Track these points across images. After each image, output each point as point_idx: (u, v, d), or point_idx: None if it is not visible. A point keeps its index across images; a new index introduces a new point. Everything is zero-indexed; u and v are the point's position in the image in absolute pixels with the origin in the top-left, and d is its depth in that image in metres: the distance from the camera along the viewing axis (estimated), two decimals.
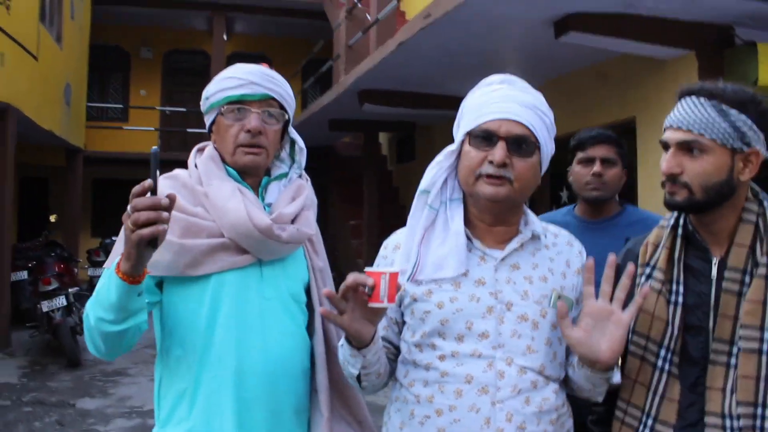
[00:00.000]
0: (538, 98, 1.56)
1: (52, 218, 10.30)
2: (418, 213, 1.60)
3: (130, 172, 8.13)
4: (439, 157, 1.59)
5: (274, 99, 1.76)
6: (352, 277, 1.37)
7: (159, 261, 1.60)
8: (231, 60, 16.57)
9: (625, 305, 1.45)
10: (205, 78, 15.55)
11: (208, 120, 1.80)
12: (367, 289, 1.37)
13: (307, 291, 1.83)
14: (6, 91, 8.03)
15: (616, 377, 1.55)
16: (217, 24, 14.84)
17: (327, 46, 11.66)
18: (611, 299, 1.44)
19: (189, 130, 15.27)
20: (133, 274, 1.41)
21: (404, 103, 8.22)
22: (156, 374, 1.75)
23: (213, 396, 1.65)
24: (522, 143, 1.50)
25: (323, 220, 15.60)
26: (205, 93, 1.79)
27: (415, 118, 10.19)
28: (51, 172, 14.34)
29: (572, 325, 1.43)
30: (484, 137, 1.50)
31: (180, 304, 1.69)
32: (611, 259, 1.47)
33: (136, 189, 1.34)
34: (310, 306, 1.83)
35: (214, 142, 1.81)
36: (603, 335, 1.42)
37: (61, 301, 7.34)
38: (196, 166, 1.77)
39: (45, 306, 7.31)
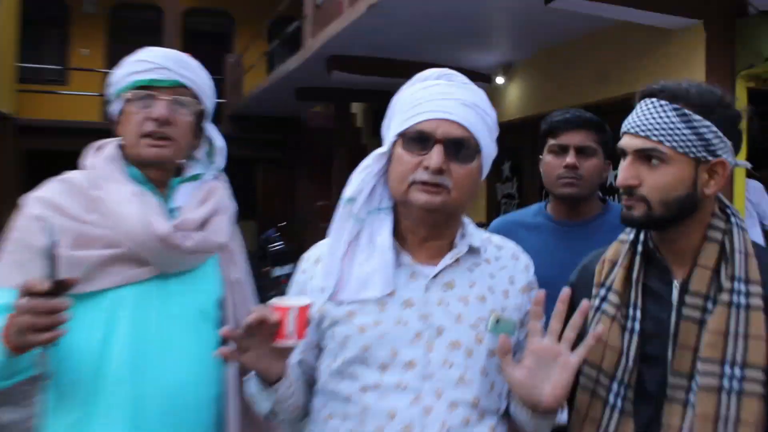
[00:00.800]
0: (479, 96, 1.54)
1: None
2: (341, 224, 1.57)
3: (70, 143, 7.99)
4: (367, 161, 1.56)
5: (186, 87, 1.75)
6: (255, 313, 1.35)
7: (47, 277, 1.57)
8: (187, 17, 16.39)
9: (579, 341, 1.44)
10: (157, 37, 15.30)
11: (114, 109, 1.78)
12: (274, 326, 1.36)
13: (222, 307, 1.81)
14: None
15: (562, 418, 1.54)
16: None
17: (296, 4, 11.50)
18: (560, 338, 1.43)
19: None
20: (23, 348, 1.42)
21: (378, 71, 8.14)
22: (42, 402, 1.71)
23: (107, 429, 1.62)
24: (461, 147, 1.48)
25: (290, 201, 15.51)
26: (111, 78, 1.77)
27: (392, 88, 9.95)
28: None
29: (514, 363, 1.41)
30: (418, 140, 1.48)
31: (71, 324, 1.60)
32: (564, 293, 1.44)
33: (30, 287, 1.35)
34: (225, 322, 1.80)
35: (119, 134, 1.78)
36: (547, 377, 1.40)
37: None
38: (91, 167, 1.74)
39: None
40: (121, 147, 1.77)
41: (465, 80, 1.57)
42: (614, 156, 2.44)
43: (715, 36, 5.15)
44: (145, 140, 1.71)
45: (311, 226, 12.05)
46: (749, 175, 5.54)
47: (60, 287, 1.37)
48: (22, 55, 13.77)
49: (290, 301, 1.39)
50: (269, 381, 1.45)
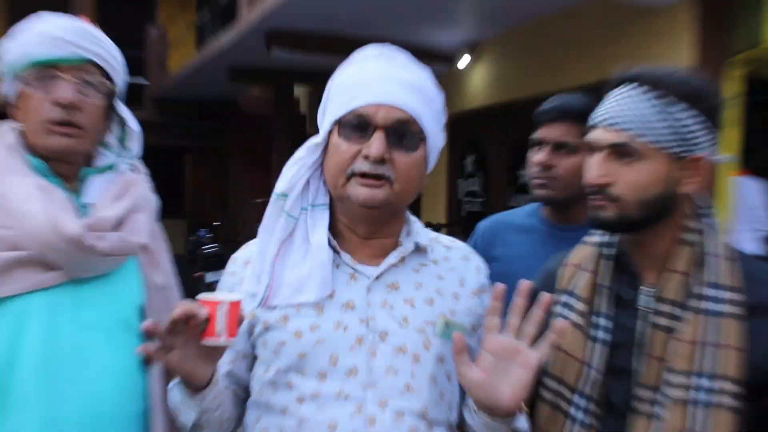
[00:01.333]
0: (423, 76, 1.57)
1: None
2: (272, 222, 1.60)
3: None
4: (300, 152, 1.59)
5: (94, 64, 1.72)
6: (181, 308, 1.37)
7: None
8: None
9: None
10: (65, 4, 14.91)
11: (8, 90, 1.75)
12: (202, 324, 1.37)
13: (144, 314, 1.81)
14: None
15: (521, 423, 1.55)
16: None
17: None
18: (519, 334, 1.45)
19: None
20: None
21: (323, 49, 8.11)
22: None
23: None
24: (404, 134, 1.51)
25: (224, 197, 15.35)
26: (1, 51, 1.74)
27: (338, 68, 10.08)
28: None
29: (470, 363, 1.43)
30: (356, 126, 1.50)
31: None
32: (524, 286, 1.46)
33: None
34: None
35: (15, 119, 1.75)
36: (506, 377, 1.41)
37: None
38: None
39: None
40: (21, 134, 1.74)
41: (407, 60, 1.58)
42: None
43: (705, 16, 5.21)
44: (50, 128, 1.68)
45: (248, 226, 11.93)
46: (745, 172, 5.56)
47: None
48: None
49: (221, 296, 1.41)
50: (195, 387, 1.46)
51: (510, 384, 1.40)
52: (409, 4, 6.68)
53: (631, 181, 1.48)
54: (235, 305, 1.38)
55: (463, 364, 1.42)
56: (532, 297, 1.66)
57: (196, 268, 10.18)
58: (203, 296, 1.39)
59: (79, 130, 1.70)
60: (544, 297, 1.46)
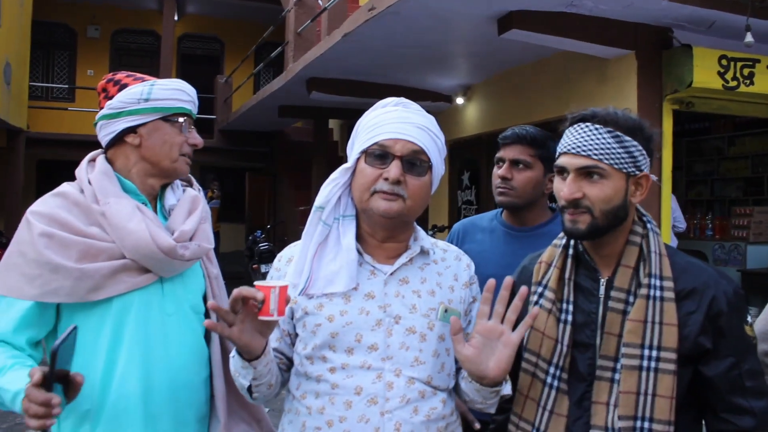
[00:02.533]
0: (430, 121, 1.60)
1: None
2: (312, 229, 1.60)
3: (76, 154, 7.86)
4: (335, 174, 1.60)
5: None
6: (239, 290, 1.36)
7: (59, 288, 1.57)
8: (181, 41, 16.24)
9: (516, 325, 1.48)
10: (154, 59, 15.14)
11: (139, 120, 1.72)
12: (259, 303, 1.36)
13: (206, 299, 1.84)
14: None
15: (506, 389, 1.59)
16: (168, 3, 14.40)
17: (280, 30, 11.45)
18: (503, 320, 1.47)
19: None
20: None
21: (352, 92, 8.09)
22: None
23: (119, 416, 1.64)
24: (416, 162, 1.54)
25: (274, 206, 15.33)
26: (140, 93, 1.71)
27: (363, 106, 9.96)
28: None
29: (464, 342, 1.46)
30: (379, 155, 1.53)
31: (81, 327, 1.61)
32: (507, 281, 1.48)
33: (33, 377, 1.36)
34: (209, 314, 1.82)
35: (145, 143, 1.73)
36: (492, 353, 1.45)
37: None
38: (89, 182, 1.70)
39: None
40: (109, 161, 1.75)
41: (419, 108, 1.62)
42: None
43: (645, 64, 5.24)
44: (183, 158, 1.78)
45: (292, 228, 12.02)
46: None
47: (58, 377, 1.37)
48: (34, 75, 13.52)
49: (273, 282, 1.41)
50: (249, 358, 1.46)
51: (495, 359, 1.44)
52: (417, 58, 6.69)
53: (598, 195, 1.48)
54: (283, 289, 1.38)
55: (459, 342, 1.44)
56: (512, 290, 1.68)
57: (254, 262, 10.26)
58: (258, 283, 1.39)
59: (190, 159, 1.82)
60: (522, 289, 1.48)
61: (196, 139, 1.80)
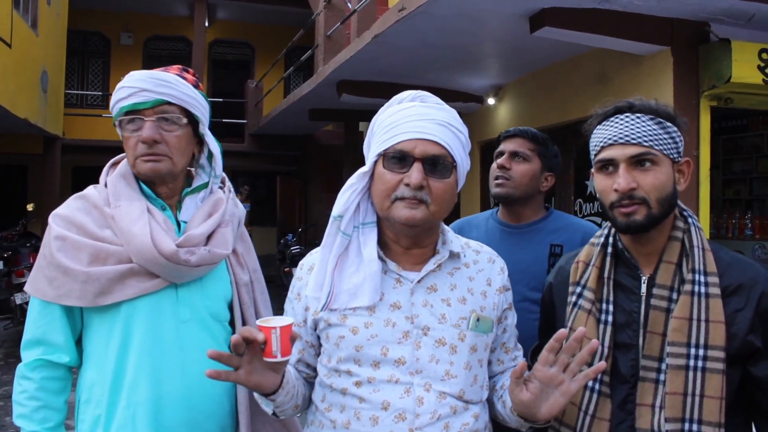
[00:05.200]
0: (451, 114, 1.49)
1: (29, 207, 10.14)
2: (330, 240, 1.51)
3: (110, 160, 8.00)
4: (352, 180, 1.50)
5: (170, 103, 1.66)
6: (240, 333, 1.30)
7: (71, 291, 1.57)
8: (213, 47, 16.42)
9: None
10: (186, 65, 15.28)
11: (119, 132, 1.72)
12: (261, 344, 1.31)
13: (231, 307, 1.78)
14: None
15: None
16: (199, 10, 14.64)
17: (310, 34, 11.52)
18: (565, 368, 1.40)
19: None
20: None
21: (382, 94, 7.83)
22: (76, 393, 1.71)
23: (128, 425, 1.61)
24: (438, 164, 1.43)
25: (305, 209, 15.40)
26: (112, 100, 1.71)
27: None
28: (30, 160, 14.12)
29: (522, 386, 1.40)
30: (398, 159, 1.43)
31: (95, 331, 1.65)
32: (580, 332, 1.38)
33: None
34: (233, 322, 1.78)
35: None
36: (546, 399, 1.39)
37: None
38: (106, 185, 1.70)
39: (18, 298, 7.22)
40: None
41: (438, 101, 1.51)
42: (557, 171, 2.41)
43: (681, 60, 5.14)
44: (140, 159, 1.65)
45: (323, 231, 12.01)
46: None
47: None
48: (69, 83, 13.80)
49: (275, 321, 1.33)
50: (266, 393, 1.41)
51: (548, 405, 1.39)
52: (447, 59, 6.65)
53: (653, 183, 1.45)
54: (285, 329, 1.30)
55: (518, 385, 1.40)
56: (549, 291, 1.68)
57: (286, 265, 10.33)
58: (260, 322, 1.32)
59: (162, 156, 1.65)
60: (593, 343, 1.39)
61: (141, 134, 1.64)
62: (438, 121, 1.44)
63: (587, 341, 1.41)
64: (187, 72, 1.75)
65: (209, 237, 1.71)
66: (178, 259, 1.61)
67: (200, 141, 1.77)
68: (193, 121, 1.72)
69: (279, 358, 1.31)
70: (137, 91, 1.63)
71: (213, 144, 1.80)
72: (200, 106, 1.73)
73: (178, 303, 1.66)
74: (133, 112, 1.64)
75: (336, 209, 1.51)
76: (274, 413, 1.49)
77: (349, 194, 1.49)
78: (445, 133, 1.44)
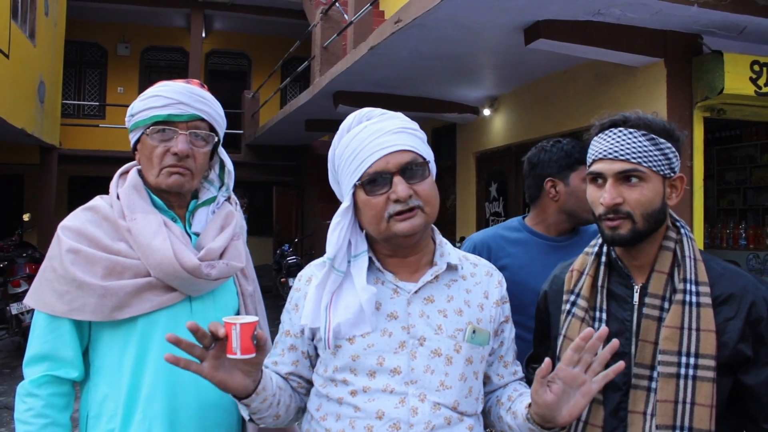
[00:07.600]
0: (400, 118, 1.50)
1: (25, 217, 10.11)
2: (324, 278, 1.50)
3: (107, 170, 8.00)
4: (336, 218, 1.49)
5: (203, 120, 1.67)
6: (209, 326, 1.31)
7: (85, 305, 1.55)
8: (209, 57, 16.46)
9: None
10: (183, 75, 15.34)
11: (132, 138, 1.70)
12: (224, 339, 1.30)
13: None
14: None
15: None
16: (196, 21, 14.68)
17: (306, 45, 11.57)
18: (587, 369, 1.39)
19: None
20: None
21: (378, 105, 7.73)
22: (82, 408, 1.67)
23: None
24: (414, 168, 1.45)
25: (301, 219, 15.31)
26: (130, 110, 1.69)
27: None
28: (26, 170, 14.12)
29: (546, 387, 1.38)
30: (376, 181, 1.43)
31: (107, 345, 1.62)
32: (603, 331, 1.38)
33: None
34: None
35: (138, 162, 1.72)
36: (567, 401, 1.38)
37: None
38: (118, 196, 1.67)
39: (14, 308, 7.20)
40: (140, 173, 1.71)
41: (383, 111, 1.51)
42: None
43: (675, 72, 5.19)
44: (166, 170, 1.63)
45: (320, 241, 12.06)
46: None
47: None
48: (66, 93, 13.83)
49: (240, 318, 1.32)
50: (237, 396, 1.39)
51: (569, 407, 1.37)
52: (443, 70, 6.68)
53: (638, 199, 1.46)
54: (246, 327, 1.29)
55: (542, 386, 1.37)
56: (544, 299, 1.68)
57: (282, 275, 10.31)
58: (227, 318, 1.31)
59: (188, 171, 1.65)
60: (614, 342, 1.38)
61: (177, 146, 1.62)
62: (394, 131, 1.45)
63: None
64: (203, 87, 1.75)
65: (224, 251, 1.70)
66: (200, 273, 1.60)
67: (211, 156, 1.78)
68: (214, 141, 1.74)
69: (239, 356, 1.30)
70: (174, 103, 1.63)
71: (227, 160, 1.81)
72: (224, 124, 1.75)
73: (193, 315, 1.65)
74: (167, 123, 1.63)
75: (329, 251, 1.49)
76: (251, 419, 1.48)
77: (338, 233, 1.48)
78: (406, 138, 1.45)
